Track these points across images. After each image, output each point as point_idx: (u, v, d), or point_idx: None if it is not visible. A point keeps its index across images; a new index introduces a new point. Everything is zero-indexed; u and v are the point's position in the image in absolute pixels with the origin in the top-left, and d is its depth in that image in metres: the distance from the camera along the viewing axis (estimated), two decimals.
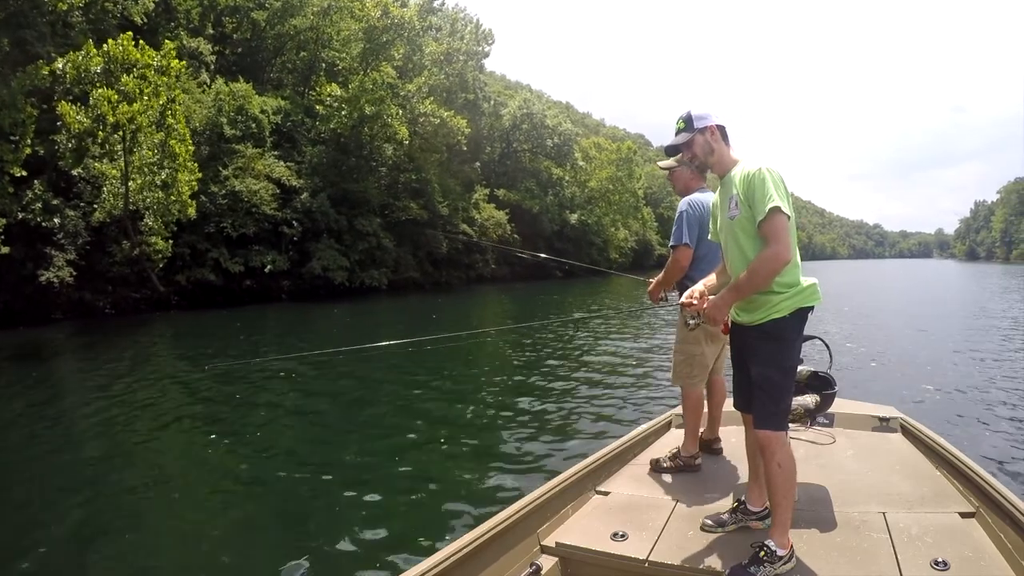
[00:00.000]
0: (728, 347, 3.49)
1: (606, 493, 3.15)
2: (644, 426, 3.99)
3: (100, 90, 19.65)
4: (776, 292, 2.38)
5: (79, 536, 4.45)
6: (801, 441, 3.60)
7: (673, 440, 3.73)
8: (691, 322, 2.57)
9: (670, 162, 3.43)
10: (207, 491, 5.39)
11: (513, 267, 43.69)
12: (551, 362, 11.04)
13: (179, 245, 23.59)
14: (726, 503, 2.85)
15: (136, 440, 6.94)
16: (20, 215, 19.18)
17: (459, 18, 42.98)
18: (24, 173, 18.44)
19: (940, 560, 2.23)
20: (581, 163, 56.46)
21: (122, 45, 20.17)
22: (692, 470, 3.33)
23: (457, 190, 40.74)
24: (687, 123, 2.57)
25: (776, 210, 2.27)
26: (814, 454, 3.43)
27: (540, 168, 52.14)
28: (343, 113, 31.54)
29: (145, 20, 25.88)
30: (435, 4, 42.02)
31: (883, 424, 3.89)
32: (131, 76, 20.27)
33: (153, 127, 21.02)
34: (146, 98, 20.50)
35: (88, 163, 20.69)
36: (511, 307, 25.83)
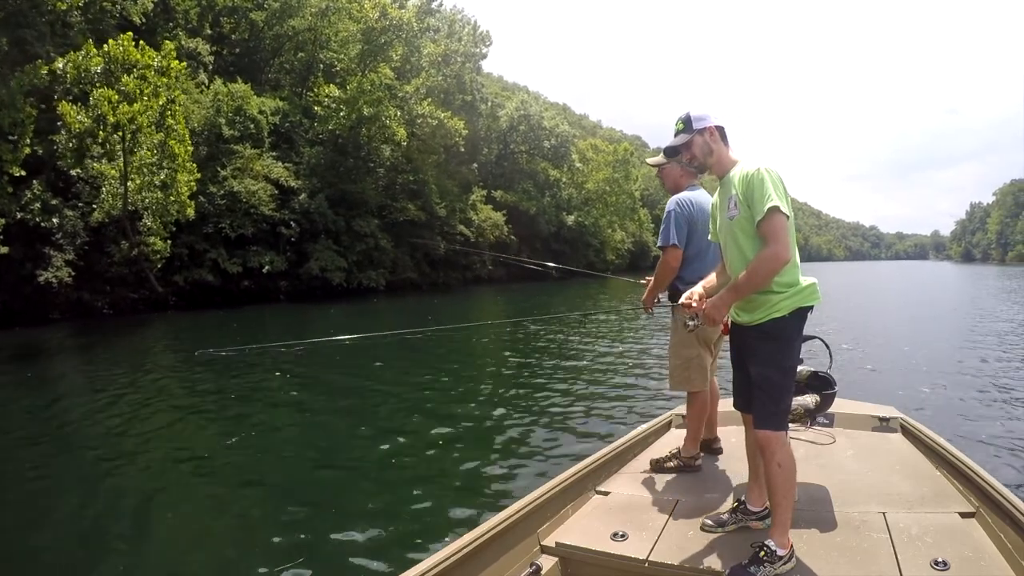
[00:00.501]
0: (720, 348, 3.51)
1: (606, 493, 3.15)
2: (644, 426, 3.99)
3: (101, 90, 19.65)
4: (775, 292, 2.38)
5: (78, 536, 4.44)
6: (801, 441, 3.60)
7: (673, 440, 3.73)
8: (690, 323, 2.56)
9: (659, 158, 3.35)
10: (205, 491, 5.37)
11: (510, 268, 43.68)
12: (551, 362, 11.04)
13: (177, 245, 23.61)
14: (726, 503, 2.85)
15: (133, 440, 6.91)
16: (19, 215, 19.19)
17: (457, 19, 42.98)
18: (23, 173, 18.45)
19: (940, 560, 2.23)
20: (578, 165, 56.50)
21: (122, 45, 20.19)
22: (692, 470, 3.33)
23: (454, 191, 40.75)
24: (686, 124, 2.57)
25: (775, 210, 2.28)
26: (814, 454, 3.43)
27: (537, 169, 52.19)
28: (341, 114, 31.56)
29: (143, 20, 25.92)
30: (433, 5, 42.02)
31: (883, 424, 3.89)
32: (131, 76, 20.28)
33: (153, 127, 21.02)
34: (146, 98, 20.50)
35: (87, 163, 20.70)
36: (507, 308, 25.83)
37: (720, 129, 2.57)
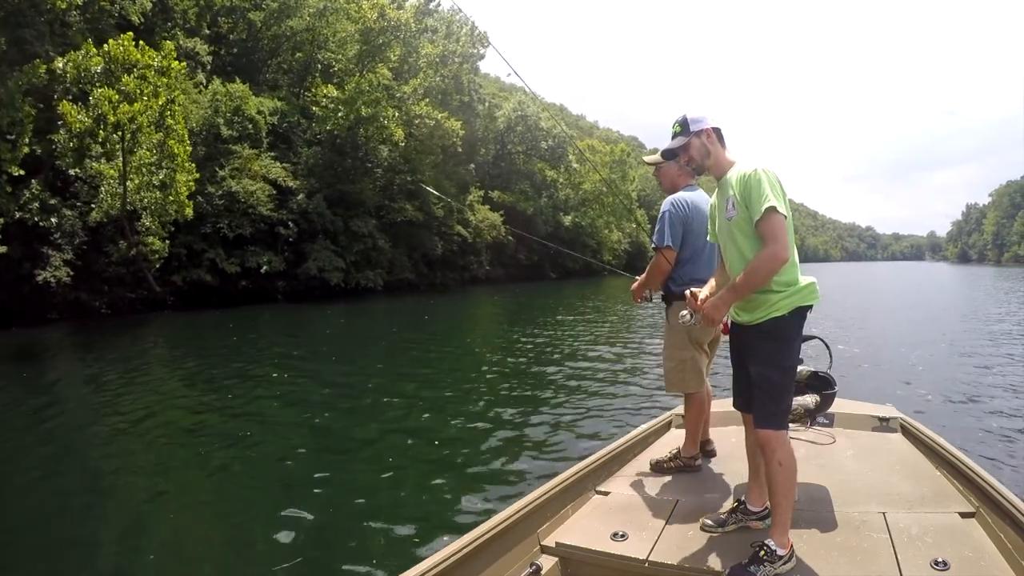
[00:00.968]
0: (716, 349, 3.51)
1: (606, 493, 3.15)
2: (644, 426, 3.99)
3: (101, 90, 19.63)
4: (775, 291, 2.39)
5: (78, 536, 4.43)
6: (801, 441, 3.60)
7: (673, 440, 3.73)
8: (684, 315, 2.60)
9: (655, 157, 3.29)
10: (204, 491, 5.37)
11: (507, 269, 43.69)
12: (551, 362, 11.04)
13: (175, 245, 23.58)
14: (726, 503, 2.86)
15: (132, 440, 6.90)
16: (17, 214, 19.13)
17: (455, 20, 42.94)
18: (22, 172, 18.39)
19: (940, 560, 2.24)
20: (575, 165, 56.47)
21: (122, 45, 20.17)
22: (692, 470, 3.33)
23: (452, 192, 40.72)
24: (683, 127, 2.57)
25: (772, 210, 2.29)
26: (814, 454, 3.43)
27: (534, 170, 52.19)
28: (339, 114, 31.53)
29: (142, 20, 25.83)
30: (431, 6, 41.97)
31: (883, 424, 3.90)
32: (132, 76, 20.26)
33: (152, 127, 21.00)
34: (146, 98, 20.49)
35: (86, 163, 20.66)
36: (504, 308, 25.84)
37: (717, 131, 2.57)
